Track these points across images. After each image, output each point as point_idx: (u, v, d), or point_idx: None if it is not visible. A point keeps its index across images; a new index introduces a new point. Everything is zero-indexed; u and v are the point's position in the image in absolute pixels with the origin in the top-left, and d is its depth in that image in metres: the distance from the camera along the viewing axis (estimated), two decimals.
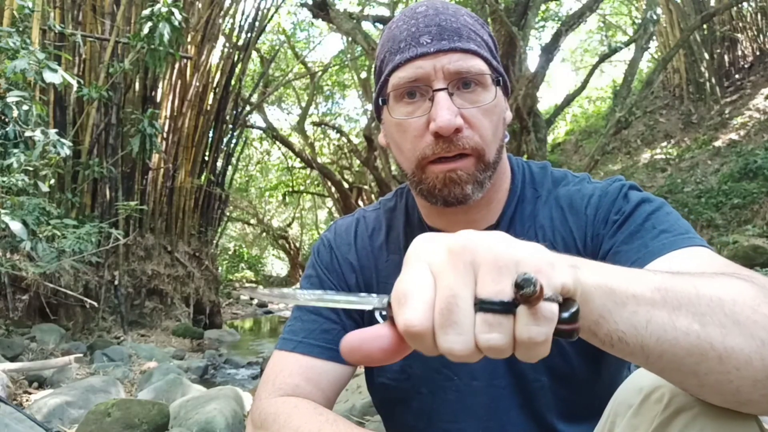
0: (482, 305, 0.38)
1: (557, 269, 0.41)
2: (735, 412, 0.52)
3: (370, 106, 14.95)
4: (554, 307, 0.39)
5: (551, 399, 0.81)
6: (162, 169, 7.33)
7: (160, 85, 7.12)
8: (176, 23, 4.94)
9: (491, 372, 0.82)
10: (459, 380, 0.83)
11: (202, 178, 8.20)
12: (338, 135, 16.81)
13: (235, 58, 8.63)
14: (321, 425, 0.72)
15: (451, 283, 0.39)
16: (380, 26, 10.89)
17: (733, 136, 9.68)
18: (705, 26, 10.72)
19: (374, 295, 0.46)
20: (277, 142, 15.96)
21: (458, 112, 0.76)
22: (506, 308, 0.38)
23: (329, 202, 20.03)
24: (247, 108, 11.54)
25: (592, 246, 0.80)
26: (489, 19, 8.47)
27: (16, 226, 3.33)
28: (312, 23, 15.33)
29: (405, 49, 0.79)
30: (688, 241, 0.70)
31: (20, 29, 4.29)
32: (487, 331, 0.38)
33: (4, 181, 3.51)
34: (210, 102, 8.12)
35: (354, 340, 0.41)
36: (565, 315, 0.39)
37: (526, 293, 0.37)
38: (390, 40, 0.83)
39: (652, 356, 0.47)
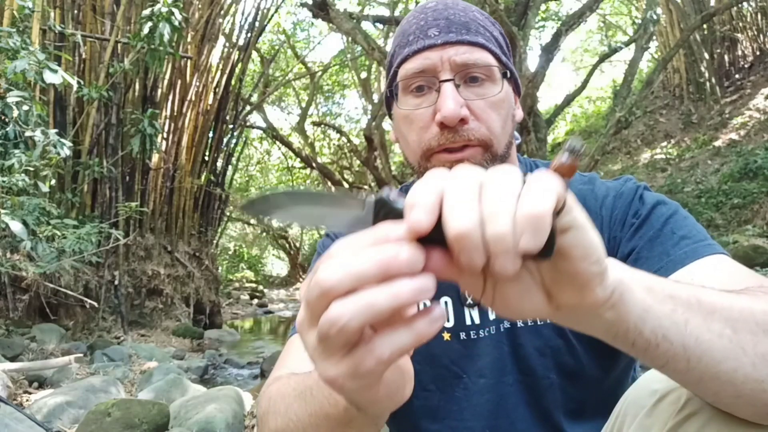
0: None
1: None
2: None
3: (370, 106, 14.95)
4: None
5: (559, 397, 0.81)
6: (162, 169, 7.32)
7: (160, 85, 7.11)
8: (176, 23, 4.94)
9: (500, 370, 0.82)
10: (467, 378, 0.83)
11: (202, 178, 8.20)
12: (338, 135, 16.81)
13: (235, 58, 8.62)
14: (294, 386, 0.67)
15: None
16: (380, 26, 10.90)
17: (733, 136, 9.69)
18: (705, 26, 10.72)
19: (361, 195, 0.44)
20: (277, 142, 15.96)
21: (464, 103, 0.76)
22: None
23: None
24: (247, 108, 11.55)
25: (609, 248, 0.78)
26: None
27: (16, 226, 3.33)
28: (312, 23, 15.36)
29: (413, 42, 0.80)
30: (709, 249, 0.70)
31: (20, 29, 4.28)
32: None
33: (4, 182, 3.51)
34: (210, 102, 8.12)
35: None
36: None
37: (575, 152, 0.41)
38: (400, 35, 0.84)
39: (693, 359, 0.47)
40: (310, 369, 0.63)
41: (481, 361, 0.82)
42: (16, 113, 3.67)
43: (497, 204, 0.36)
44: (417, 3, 12.73)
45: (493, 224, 0.36)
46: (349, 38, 10.81)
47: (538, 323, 0.81)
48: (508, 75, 0.82)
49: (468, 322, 0.84)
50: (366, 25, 11.59)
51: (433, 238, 0.37)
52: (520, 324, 0.82)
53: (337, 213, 0.44)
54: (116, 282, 6.17)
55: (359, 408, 0.47)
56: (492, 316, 0.84)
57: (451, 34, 0.78)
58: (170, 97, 7.36)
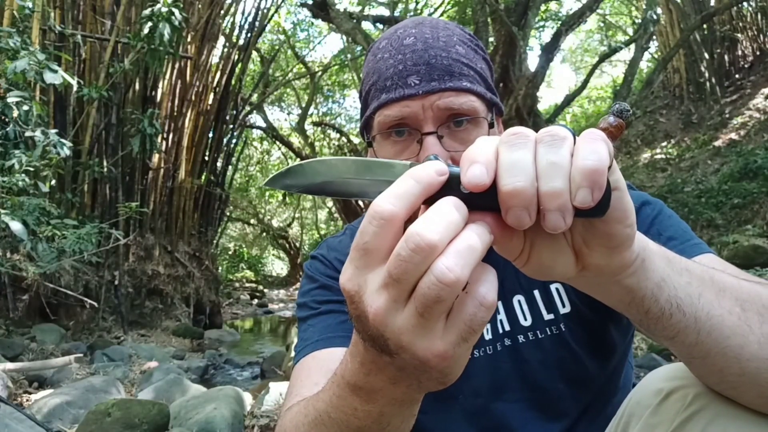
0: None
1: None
2: (755, 412, 0.53)
3: None
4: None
5: (570, 405, 0.80)
6: (162, 169, 7.32)
7: (160, 85, 7.11)
8: (176, 23, 4.94)
9: (498, 389, 0.81)
10: (463, 398, 0.82)
11: (202, 178, 8.20)
12: (338, 135, 16.80)
13: (235, 58, 8.63)
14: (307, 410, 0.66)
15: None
16: (380, 26, 10.90)
17: (733, 135, 9.68)
18: (705, 26, 10.72)
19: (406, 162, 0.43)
20: (277, 142, 15.96)
21: (448, 157, 0.73)
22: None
23: (329, 202, 20.02)
24: (247, 108, 11.54)
25: None
26: (489, 19, 8.47)
27: (16, 226, 3.33)
28: (312, 23, 15.34)
29: (391, 89, 0.75)
30: (697, 249, 0.71)
31: (20, 29, 4.29)
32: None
33: (4, 182, 3.51)
34: (210, 102, 8.12)
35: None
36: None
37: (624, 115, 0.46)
38: (375, 73, 0.79)
39: (703, 332, 0.48)
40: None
41: (476, 380, 0.81)
42: (16, 113, 3.67)
43: (552, 160, 0.37)
44: (417, 3, 12.73)
45: (549, 180, 0.36)
46: (349, 38, 10.80)
47: (539, 336, 0.81)
48: (494, 111, 0.80)
49: None
50: (366, 25, 11.57)
51: (473, 203, 0.38)
52: (521, 339, 0.81)
53: (380, 180, 0.43)
54: (116, 282, 6.17)
55: (442, 384, 0.43)
56: (488, 337, 0.82)
57: (433, 83, 0.74)
58: (170, 97, 7.36)
